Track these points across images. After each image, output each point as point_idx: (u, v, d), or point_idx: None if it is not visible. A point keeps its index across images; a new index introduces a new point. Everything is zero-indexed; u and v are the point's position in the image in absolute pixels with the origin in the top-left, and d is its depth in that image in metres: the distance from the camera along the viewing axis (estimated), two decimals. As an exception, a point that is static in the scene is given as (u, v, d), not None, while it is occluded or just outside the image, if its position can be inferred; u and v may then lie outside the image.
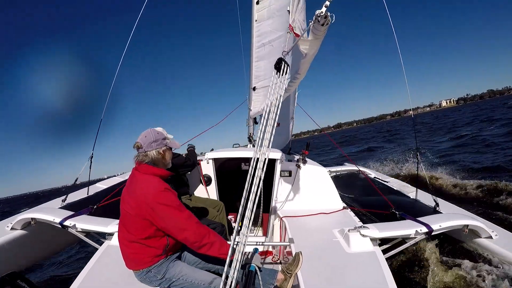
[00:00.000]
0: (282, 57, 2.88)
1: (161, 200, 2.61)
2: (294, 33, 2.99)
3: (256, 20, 6.64)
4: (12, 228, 4.25)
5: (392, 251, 3.77)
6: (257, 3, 6.52)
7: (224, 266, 2.39)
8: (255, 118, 8.79)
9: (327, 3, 2.36)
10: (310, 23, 2.55)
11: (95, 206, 4.47)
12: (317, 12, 2.41)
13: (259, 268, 2.93)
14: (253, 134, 9.03)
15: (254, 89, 7.27)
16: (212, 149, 6.45)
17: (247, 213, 2.46)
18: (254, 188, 2.50)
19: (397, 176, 9.62)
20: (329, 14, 2.42)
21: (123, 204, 2.81)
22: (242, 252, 2.43)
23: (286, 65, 2.86)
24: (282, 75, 2.84)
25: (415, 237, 3.59)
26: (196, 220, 2.74)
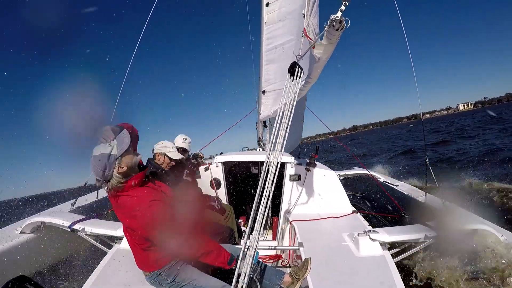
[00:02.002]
0: (296, 61, 2.87)
1: (149, 219, 2.47)
2: (308, 37, 2.98)
3: (266, 23, 6.62)
4: (21, 232, 4.27)
5: (402, 255, 3.76)
6: (267, 5, 6.50)
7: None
8: (264, 122, 8.79)
9: (343, 7, 2.34)
10: (325, 28, 2.53)
11: (105, 213, 4.48)
12: (332, 16, 2.39)
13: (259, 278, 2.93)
14: (262, 137, 9.01)
15: (263, 92, 7.26)
16: (222, 153, 6.44)
17: (259, 217, 2.44)
18: (266, 193, 2.49)
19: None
20: (344, 19, 2.41)
21: (117, 213, 2.68)
22: (253, 256, 2.41)
23: (300, 69, 2.84)
24: (296, 79, 2.83)
25: (424, 241, 3.58)
26: (190, 230, 2.68)
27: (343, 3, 2.33)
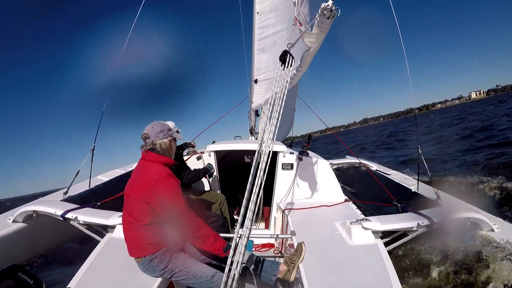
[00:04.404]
0: (288, 49, 2.87)
1: (163, 185, 2.70)
2: (300, 23, 2.98)
3: (258, 13, 6.63)
4: (13, 221, 4.25)
5: (394, 244, 3.76)
6: (259, -5, 6.50)
7: (224, 260, 2.40)
8: (256, 111, 8.78)
9: None
10: (316, 16, 2.53)
11: (98, 203, 4.47)
12: (323, 5, 2.40)
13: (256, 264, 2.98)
14: (254, 126, 9.00)
15: (255, 81, 7.26)
16: (214, 141, 6.44)
17: (250, 205, 2.45)
18: (257, 181, 2.50)
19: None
20: (335, 7, 2.41)
21: (127, 189, 2.87)
22: (246, 245, 2.43)
23: (291, 57, 2.84)
24: (287, 67, 2.83)
25: (417, 230, 3.58)
26: (193, 213, 2.81)
27: None
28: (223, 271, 2.38)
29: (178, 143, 5.14)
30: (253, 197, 2.45)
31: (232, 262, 2.31)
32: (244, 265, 2.86)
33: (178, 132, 4.51)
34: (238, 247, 2.36)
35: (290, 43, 2.96)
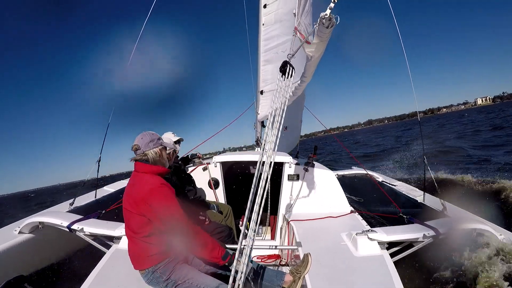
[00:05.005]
0: (288, 60, 2.88)
1: (156, 195, 2.69)
2: (300, 34, 2.99)
3: (263, 24, 6.69)
4: (20, 232, 4.27)
5: (400, 255, 3.74)
6: (265, 7, 6.56)
7: (228, 269, 2.40)
8: (262, 122, 8.81)
9: (332, 5, 2.36)
10: (315, 26, 2.55)
11: (103, 211, 4.48)
12: (322, 14, 2.41)
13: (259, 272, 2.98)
14: (260, 137, 9.03)
15: (261, 92, 7.30)
16: (220, 152, 6.46)
17: (253, 216, 2.45)
18: (260, 191, 2.50)
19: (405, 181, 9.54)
20: (333, 16, 2.42)
21: (124, 203, 2.89)
22: (249, 255, 2.43)
23: (291, 68, 2.85)
24: (288, 78, 2.84)
25: (423, 241, 3.57)
26: (190, 220, 2.80)
27: (332, 0, 2.35)
28: (227, 281, 2.38)
29: (182, 153, 5.17)
30: (256, 208, 2.45)
31: (236, 272, 2.31)
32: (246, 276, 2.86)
33: (179, 142, 4.58)
34: (242, 258, 2.37)
35: (290, 53, 2.96)
